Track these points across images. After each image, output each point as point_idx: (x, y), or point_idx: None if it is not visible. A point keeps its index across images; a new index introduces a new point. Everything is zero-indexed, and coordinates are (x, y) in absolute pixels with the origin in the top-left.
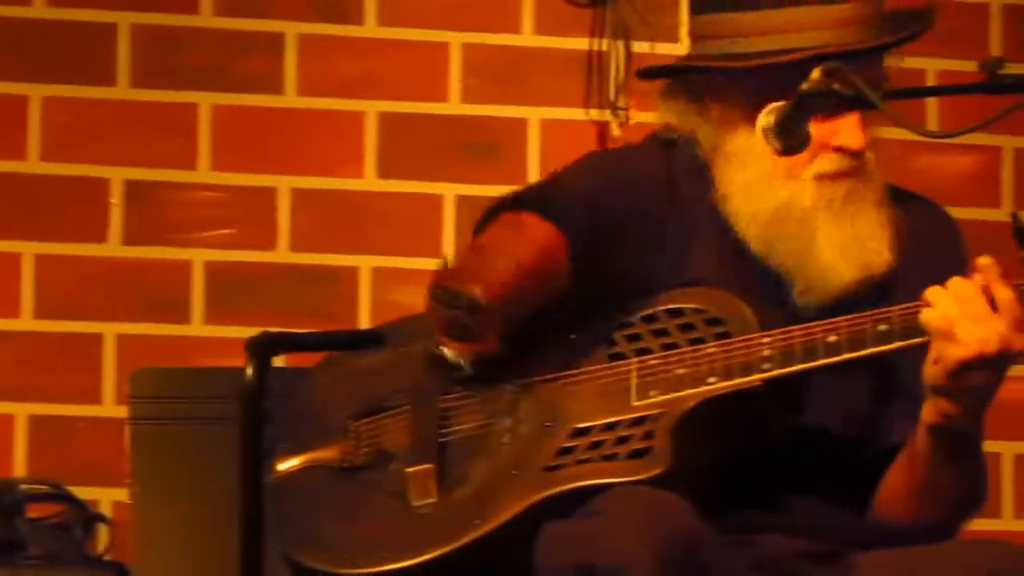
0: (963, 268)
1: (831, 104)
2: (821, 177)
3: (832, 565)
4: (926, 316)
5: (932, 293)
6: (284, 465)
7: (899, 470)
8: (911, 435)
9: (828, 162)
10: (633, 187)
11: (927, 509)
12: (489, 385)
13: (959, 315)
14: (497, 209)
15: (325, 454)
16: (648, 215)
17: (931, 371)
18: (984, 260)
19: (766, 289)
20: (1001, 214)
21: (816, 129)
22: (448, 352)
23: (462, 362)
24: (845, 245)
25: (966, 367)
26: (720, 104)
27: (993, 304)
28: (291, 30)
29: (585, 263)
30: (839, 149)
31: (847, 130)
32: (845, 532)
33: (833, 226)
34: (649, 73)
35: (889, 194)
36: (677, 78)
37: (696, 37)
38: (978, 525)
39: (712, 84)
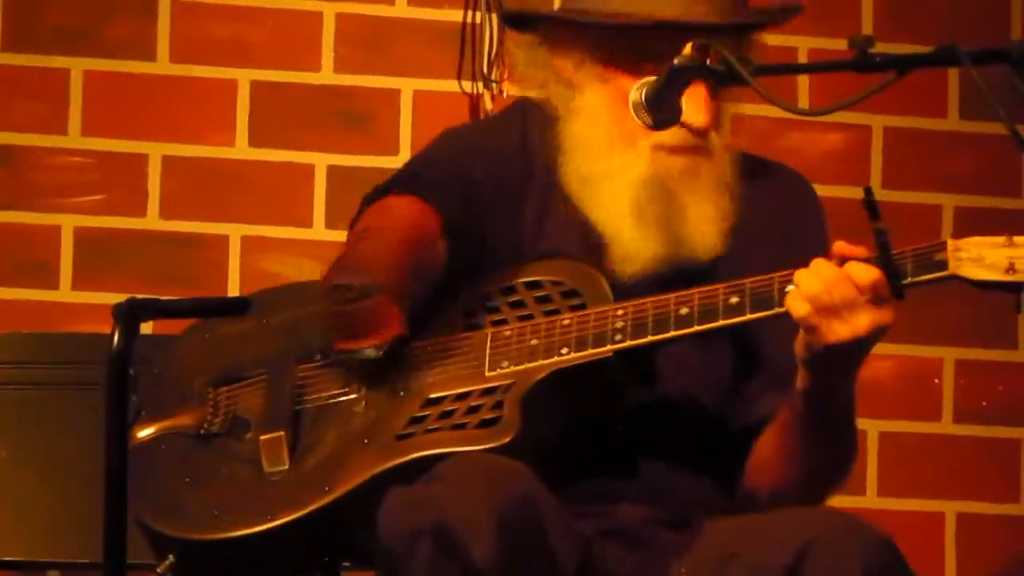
0: (821, 239)
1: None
2: (658, 148)
3: (681, 531)
4: (792, 301)
5: (799, 276)
6: (143, 432)
7: (768, 440)
8: (778, 406)
9: (668, 135)
10: (490, 158)
11: (797, 478)
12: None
13: (828, 300)
14: (367, 202)
15: (183, 421)
16: (507, 184)
17: (801, 350)
18: (840, 245)
19: (595, 255)
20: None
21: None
22: (356, 351)
23: (371, 357)
24: (664, 221)
25: (837, 348)
26: (569, 60)
27: (857, 286)
28: None
29: (456, 233)
30: (682, 124)
31: (692, 106)
32: (698, 500)
33: (658, 201)
34: (509, 19)
35: (746, 165)
36: (536, 32)
37: None
38: (842, 502)
39: (562, 39)
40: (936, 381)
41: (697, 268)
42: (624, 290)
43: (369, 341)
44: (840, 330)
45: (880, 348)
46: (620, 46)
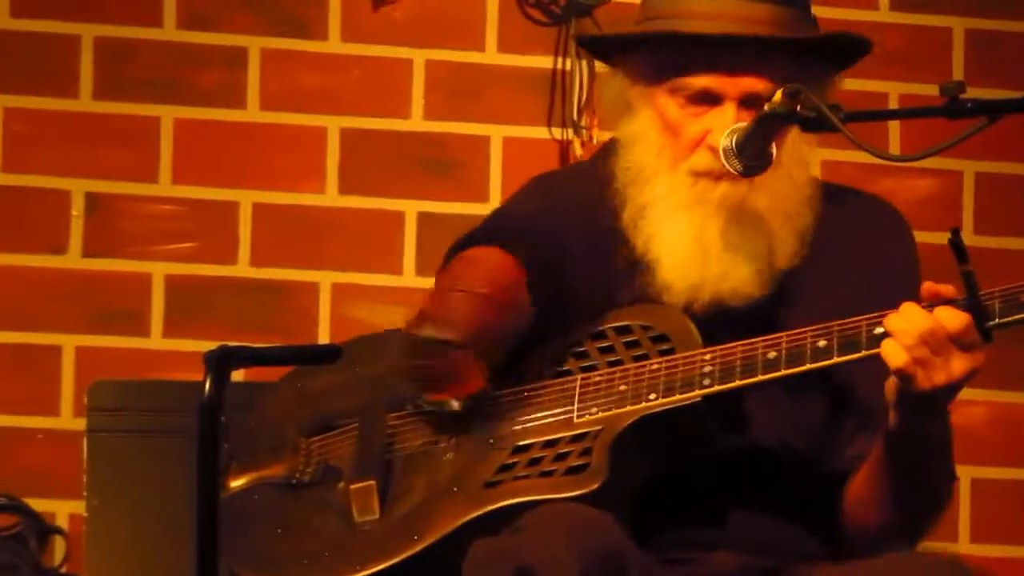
0: (910, 274)
1: (707, 97)
2: (695, 174)
3: None
4: (890, 351)
5: (892, 325)
6: (236, 482)
7: (861, 481)
8: (870, 446)
9: (701, 159)
10: (577, 208)
11: (893, 517)
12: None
13: (924, 351)
14: (453, 251)
15: (275, 471)
16: (594, 234)
17: (893, 395)
18: (928, 287)
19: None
20: (964, 239)
21: (692, 120)
22: (436, 403)
23: (457, 406)
24: (701, 250)
25: (931, 394)
26: (630, 84)
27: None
28: (254, 44)
29: (544, 288)
30: (712, 148)
31: (717, 128)
32: (792, 548)
33: (695, 228)
34: (584, 42)
35: (830, 194)
36: (611, 60)
37: (636, 22)
38: (935, 548)
39: (627, 62)
40: None
41: (759, 303)
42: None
43: (450, 393)
44: (936, 377)
45: (973, 394)
46: (659, 64)
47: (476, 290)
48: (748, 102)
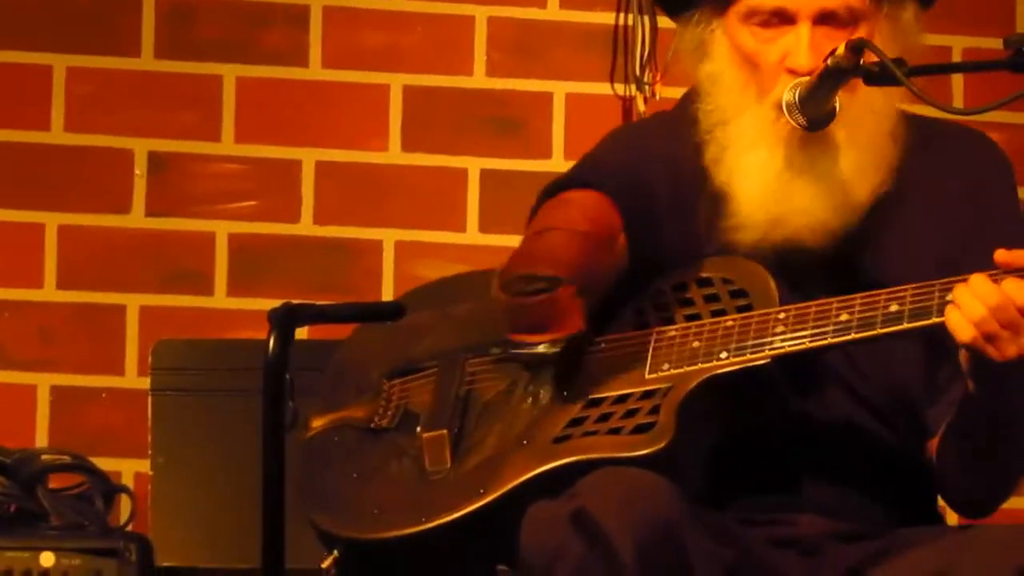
0: (1011, 207)
1: (781, 17)
2: (775, 107)
3: (861, 546)
4: (956, 325)
5: (960, 297)
6: (317, 422)
7: (947, 445)
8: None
9: (783, 88)
10: (662, 160)
11: (983, 483)
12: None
13: (992, 325)
14: (542, 198)
15: (356, 413)
16: (679, 186)
17: (966, 365)
18: (1003, 255)
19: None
20: None
21: (768, 46)
22: (534, 345)
23: (552, 352)
24: (788, 183)
25: (1000, 367)
26: (703, 27)
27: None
28: (316, 2)
29: (640, 231)
30: (791, 71)
31: (797, 50)
32: (880, 514)
33: (779, 163)
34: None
35: (919, 127)
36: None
37: None
38: (1010, 504)
39: (697, 4)
40: None
41: (847, 239)
42: (786, 263)
43: (548, 335)
44: (1007, 350)
45: None
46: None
47: (576, 228)
48: (823, 19)
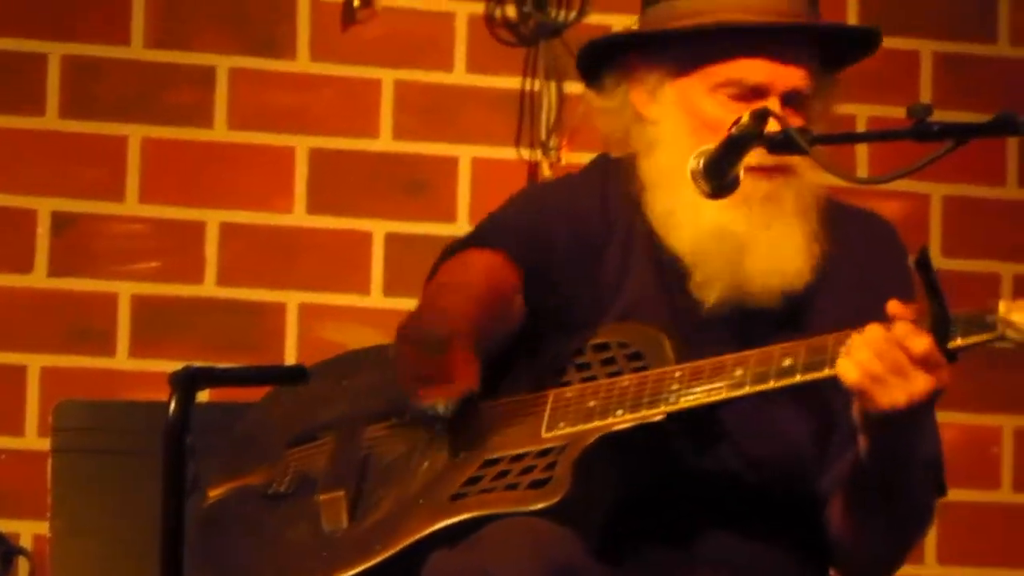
0: (904, 289)
1: (754, 89)
2: (746, 169)
3: None
4: (843, 367)
5: (851, 342)
6: (215, 491)
7: (843, 500)
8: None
9: (751, 155)
10: (569, 219)
11: (873, 539)
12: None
13: (878, 367)
14: (445, 255)
15: (256, 480)
16: (585, 246)
17: (857, 415)
18: (896, 306)
19: (676, 292)
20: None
21: (735, 116)
22: (430, 403)
23: (444, 410)
24: (747, 245)
25: (891, 414)
26: (646, 89)
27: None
28: (222, 63)
29: (537, 292)
30: (769, 113)
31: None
32: (775, 572)
33: (741, 224)
34: (583, 54)
35: (830, 207)
36: (611, 72)
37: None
38: (902, 571)
39: (638, 68)
40: (995, 449)
41: (780, 304)
42: (701, 324)
43: (442, 392)
44: (895, 396)
45: (938, 416)
46: (698, 59)
47: (472, 287)
48: (789, 98)
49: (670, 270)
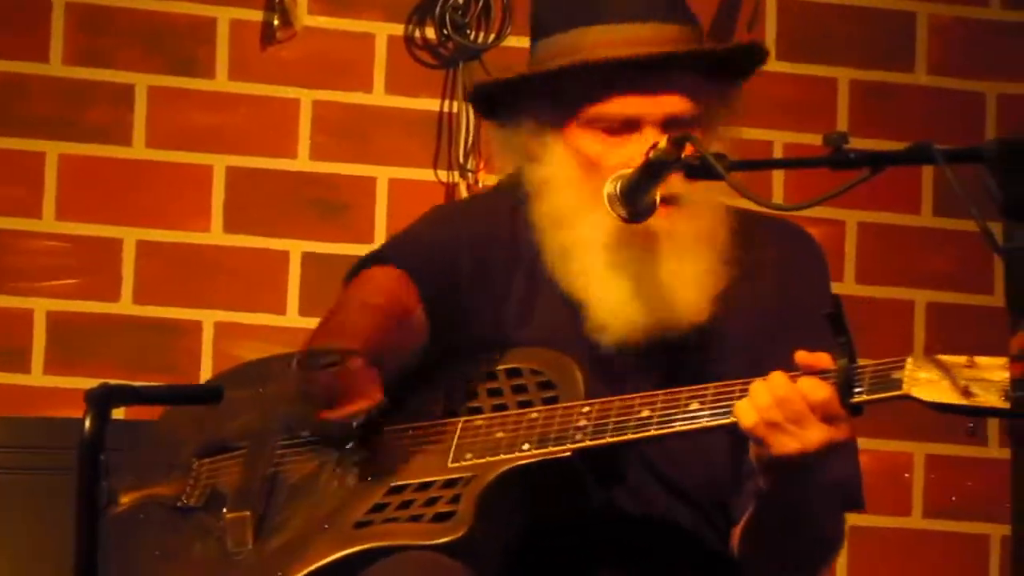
0: (821, 294)
1: (628, 124)
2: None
3: None
4: (741, 410)
5: (753, 387)
6: (126, 499)
7: (744, 538)
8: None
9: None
10: (476, 241)
11: (774, 568)
12: None
13: (776, 415)
14: (349, 275)
15: (164, 491)
16: (491, 268)
17: (753, 458)
18: (803, 356)
19: (574, 327)
20: (844, 287)
21: (613, 150)
22: (332, 423)
23: (349, 429)
24: (639, 283)
25: (786, 461)
26: (530, 132)
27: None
28: (141, 82)
29: (438, 311)
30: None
31: (640, 155)
32: None
33: (631, 263)
34: (477, 102)
35: (743, 221)
36: (503, 113)
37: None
38: None
39: (521, 110)
40: (907, 475)
41: (687, 337)
42: (609, 362)
43: (348, 408)
44: (788, 444)
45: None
46: (568, 98)
47: (369, 304)
48: (669, 125)
49: (570, 305)
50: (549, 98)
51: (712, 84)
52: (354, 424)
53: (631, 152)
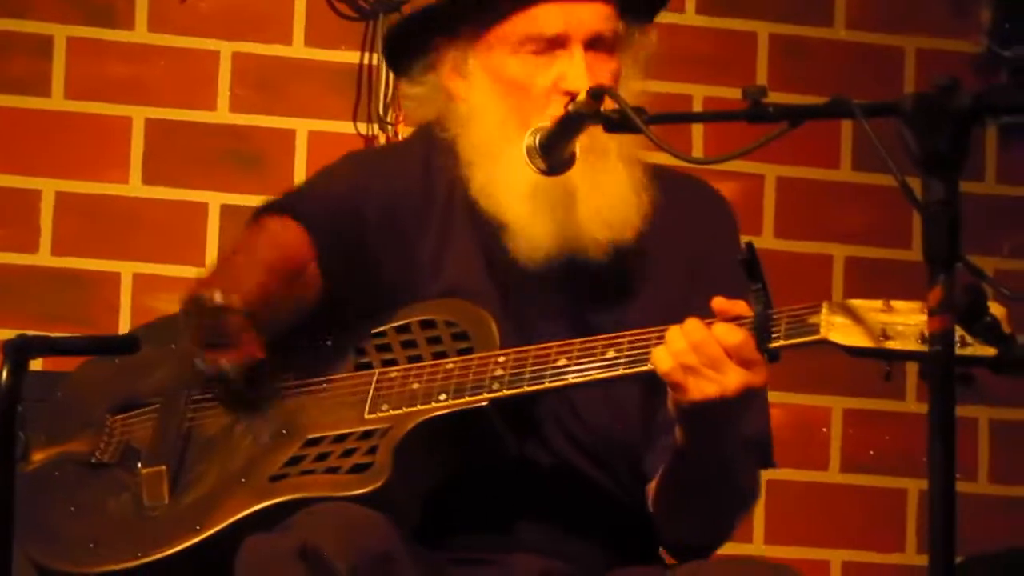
0: (729, 265)
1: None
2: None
3: None
4: (657, 356)
5: (669, 333)
6: (38, 455)
7: (661, 487)
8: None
9: (559, 108)
10: (386, 192)
11: (688, 524)
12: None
13: (692, 359)
14: (248, 222)
15: (78, 447)
16: (401, 218)
17: (672, 406)
18: (719, 303)
19: (496, 261)
20: (763, 241)
21: (540, 71)
22: (212, 364)
23: (229, 373)
24: (560, 205)
25: (701, 408)
26: (452, 68)
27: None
28: (60, 33)
29: (337, 263)
30: (568, 92)
31: (573, 72)
32: (597, 554)
33: (552, 186)
34: (387, 44)
35: (658, 173)
36: (419, 56)
37: None
38: (728, 549)
39: (436, 44)
40: (824, 430)
41: (602, 264)
42: (530, 284)
43: (225, 356)
44: (707, 388)
45: (769, 397)
46: (491, 17)
47: (258, 256)
48: (593, 44)
49: (493, 240)
50: (468, 29)
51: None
52: (231, 375)
53: (559, 70)
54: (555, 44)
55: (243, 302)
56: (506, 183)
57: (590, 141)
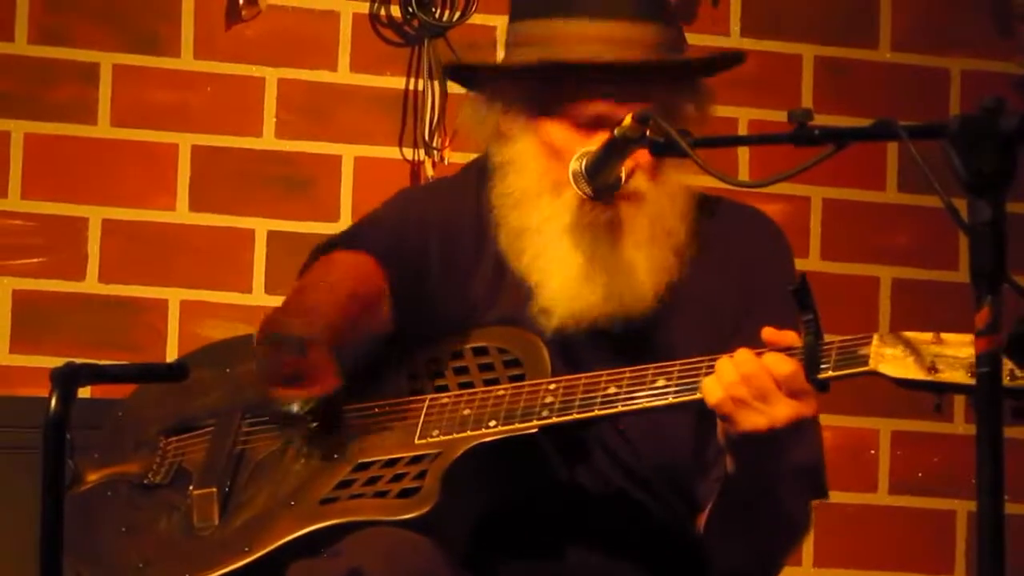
0: (782, 278)
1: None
2: (583, 197)
3: None
4: (708, 386)
5: (719, 363)
6: (92, 476)
7: (712, 516)
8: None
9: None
10: (443, 227)
11: (745, 552)
12: None
13: (742, 390)
14: (315, 254)
15: (131, 468)
16: (458, 252)
17: (721, 436)
18: (770, 333)
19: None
20: (810, 264)
21: (581, 143)
22: (287, 402)
23: (303, 410)
24: (591, 272)
25: (751, 438)
26: (503, 112)
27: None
28: (106, 60)
29: (406, 294)
30: None
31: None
32: None
33: (584, 251)
34: (452, 73)
35: (707, 206)
36: (477, 86)
37: (505, 46)
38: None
39: (497, 90)
40: (872, 452)
41: (641, 323)
42: (564, 343)
43: (299, 393)
44: (756, 420)
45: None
46: (544, 92)
47: (337, 288)
48: None
49: (522, 291)
50: (522, 87)
51: (686, 86)
52: (301, 409)
53: (596, 145)
54: (598, 124)
55: (328, 334)
56: (532, 242)
57: (612, 215)
